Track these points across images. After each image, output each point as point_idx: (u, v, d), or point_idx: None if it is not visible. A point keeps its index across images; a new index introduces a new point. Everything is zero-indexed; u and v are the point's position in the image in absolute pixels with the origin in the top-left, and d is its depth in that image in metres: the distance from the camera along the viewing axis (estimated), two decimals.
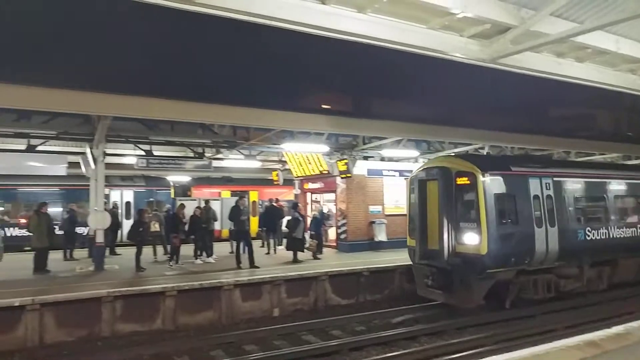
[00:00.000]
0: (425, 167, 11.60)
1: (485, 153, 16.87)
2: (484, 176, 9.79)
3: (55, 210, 16.74)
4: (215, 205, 17.88)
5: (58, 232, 14.03)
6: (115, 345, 8.87)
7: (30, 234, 12.42)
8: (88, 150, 12.95)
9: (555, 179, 10.98)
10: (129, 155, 16.15)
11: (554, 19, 6.63)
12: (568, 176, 11.52)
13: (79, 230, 15.93)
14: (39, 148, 13.92)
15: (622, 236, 12.06)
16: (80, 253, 14.66)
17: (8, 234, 17.48)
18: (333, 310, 11.27)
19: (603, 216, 11.99)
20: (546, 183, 10.73)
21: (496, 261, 9.68)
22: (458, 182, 10.10)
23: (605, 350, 5.50)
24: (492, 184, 9.85)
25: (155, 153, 15.76)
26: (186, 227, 13.49)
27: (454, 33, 6.65)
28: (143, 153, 15.31)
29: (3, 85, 8.54)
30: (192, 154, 16.78)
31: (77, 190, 17.98)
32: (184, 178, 20.50)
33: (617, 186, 12.60)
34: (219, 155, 17.08)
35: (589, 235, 11.30)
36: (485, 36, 6.78)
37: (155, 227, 13.96)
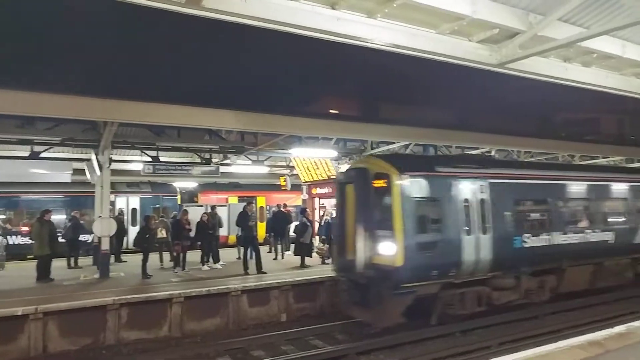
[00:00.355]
0: (347, 168, 10.79)
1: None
2: (400, 178, 8.75)
3: (59, 217, 16.70)
4: (223, 211, 17.89)
5: (61, 239, 13.97)
6: (120, 353, 8.85)
7: (33, 241, 12.39)
8: (93, 157, 12.97)
9: (490, 180, 9.95)
10: (135, 162, 16.16)
11: (561, 24, 6.70)
12: (505, 177, 10.48)
13: (83, 237, 15.92)
14: (43, 155, 13.93)
15: (568, 242, 11.04)
16: (85, 261, 14.62)
17: (11, 242, 17.41)
18: (341, 314, 11.21)
19: (546, 221, 10.95)
20: (479, 185, 9.74)
21: (414, 274, 8.64)
22: (375, 185, 9.07)
23: (608, 349, 5.56)
24: (411, 186, 8.83)
25: (161, 159, 15.76)
26: (191, 234, 13.47)
27: (463, 38, 6.71)
28: (149, 159, 15.31)
29: (6, 91, 8.53)
30: (199, 160, 16.82)
31: (82, 197, 17.97)
32: (191, 184, 20.48)
33: (562, 188, 11.57)
34: (226, 161, 17.10)
35: (527, 242, 10.30)
36: (493, 41, 6.83)
37: (162, 233, 13.93)
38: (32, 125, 12.89)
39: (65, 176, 13.87)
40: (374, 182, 9.11)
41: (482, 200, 9.72)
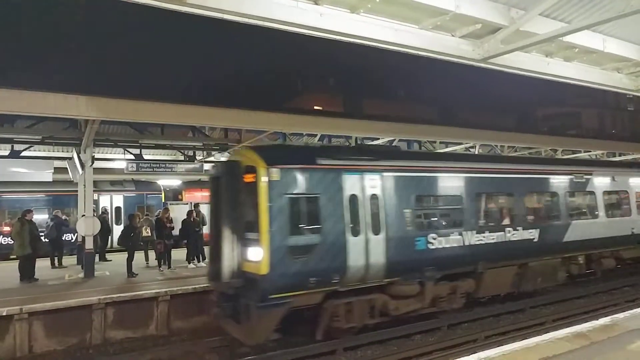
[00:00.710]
0: (219, 161, 9.90)
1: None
2: (269, 171, 7.60)
3: (43, 217, 16.43)
4: (207, 209, 17.71)
5: (45, 239, 13.75)
6: (107, 353, 8.77)
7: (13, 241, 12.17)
8: (75, 155, 12.74)
9: (385, 174, 8.79)
10: (119, 160, 15.93)
11: (542, 19, 6.77)
12: (404, 170, 9.22)
13: (67, 236, 15.67)
14: (24, 154, 13.65)
15: (484, 243, 9.85)
16: (69, 260, 14.42)
17: None
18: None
19: (456, 219, 9.78)
20: (370, 179, 8.58)
21: (285, 283, 7.53)
22: (245, 180, 7.96)
23: (593, 341, 5.71)
24: (282, 181, 7.70)
25: (145, 157, 15.57)
26: (174, 232, 13.35)
27: (446, 33, 6.73)
28: (132, 157, 15.10)
29: None
30: (182, 157, 16.63)
31: (65, 196, 17.67)
32: (175, 182, 20.28)
33: (476, 182, 10.20)
34: (211, 158, 16.95)
35: (433, 243, 9.10)
36: (476, 36, 6.87)
37: (146, 232, 13.77)
38: (11, 123, 12.62)
39: (47, 175, 13.61)
40: (244, 176, 8.00)
41: (374, 196, 8.58)
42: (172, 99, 10.08)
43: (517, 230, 10.50)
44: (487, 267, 9.89)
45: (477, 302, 10.38)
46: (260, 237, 7.52)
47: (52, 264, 13.96)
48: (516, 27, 6.54)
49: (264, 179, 7.62)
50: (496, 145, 17.02)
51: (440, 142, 16.50)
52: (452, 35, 6.79)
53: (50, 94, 8.96)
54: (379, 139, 14.82)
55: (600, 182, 12.80)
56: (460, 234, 9.55)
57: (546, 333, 6.62)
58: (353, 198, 8.36)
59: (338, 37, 6.05)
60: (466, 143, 16.16)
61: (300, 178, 7.98)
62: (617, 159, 19.85)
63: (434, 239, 9.18)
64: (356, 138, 15.30)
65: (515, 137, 15.81)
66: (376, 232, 8.49)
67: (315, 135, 14.61)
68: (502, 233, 10.26)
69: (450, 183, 9.91)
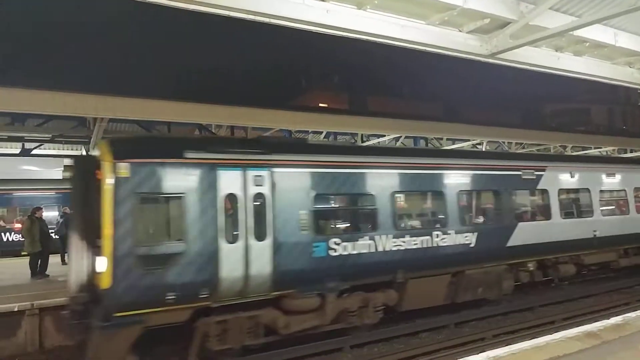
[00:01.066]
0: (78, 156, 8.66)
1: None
2: (115, 166, 6.56)
3: (53, 214, 16.66)
4: None
5: (55, 236, 13.94)
6: None
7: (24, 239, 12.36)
8: (84, 153, 12.86)
9: (276, 169, 7.67)
10: None
11: (552, 13, 6.68)
12: (302, 165, 8.06)
13: None
14: (34, 152, 13.82)
15: (404, 248, 8.66)
16: None
17: (4, 239, 17.36)
18: None
19: (368, 221, 8.68)
20: (255, 176, 7.48)
21: (132, 299, 6.46)
22: (99, 177, 6.85)
23: (604, 340, 5.67)
24: (132, 178, 6.64)
25: None
26: None
27: (454, 29, 6.67)
28: None
29: None
30: None
31: None
32: None
33: (394, 179, 8.97)
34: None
35: (336, 250, 7.97)
36: (484, 31, 6.80)
37: None
38: (22, 122, 12.78)
39: (57, 173, 13.79)
40: (98, 172, 6.87)
41: (260, 196, 7.50)
42: (179, 97, 10.09)
43: (448, 234, 9.24)
44: (409, 277, 8.73)
45: (483, 301, 10.28)
46: (103, 244, 6.50)
47: (63, 260, 14.12)
48: (525, 21, 6.46)
49: (109, 176, 6.57)
50: (504, 142, 16.86)
51: (447, 139, 16.38)
52: (460, 31, 6.72)
53: (59, 93, 9.03)
54: (384, 136, 14.76)
55: (555, 179, 11.30)
56: (372, 239, 8.38)
57: (556, 332, 6.56)
58: (230, 198, 7.29)
59: (344, 34, 6.02)
60: (473, 140, 16.02)
61: (159, 174, 6.85)
62: (629, 155, 19.54)
63: (337, 244, 8.03)
64: (362, 135, 15.22)
65: (523, 133, 15.61)
66: (260, 237, 7.40)
67: (320, 133, 14.59)
68: (428, 237, 9.01)
69: (360, 180, 8.61)
